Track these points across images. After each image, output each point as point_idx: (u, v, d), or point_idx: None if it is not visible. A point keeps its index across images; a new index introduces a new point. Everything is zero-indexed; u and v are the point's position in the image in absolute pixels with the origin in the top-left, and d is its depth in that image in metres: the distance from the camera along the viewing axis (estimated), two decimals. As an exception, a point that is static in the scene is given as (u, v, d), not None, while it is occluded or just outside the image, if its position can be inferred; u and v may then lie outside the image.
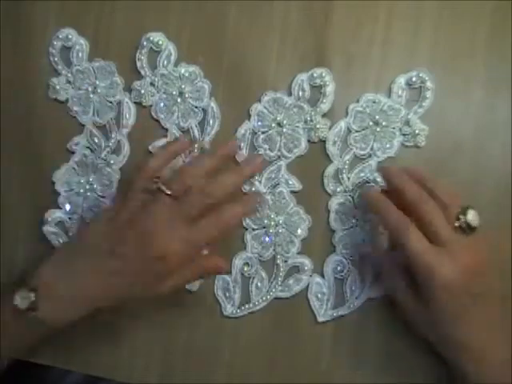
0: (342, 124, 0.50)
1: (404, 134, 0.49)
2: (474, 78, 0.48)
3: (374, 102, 0.49)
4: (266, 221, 0.50)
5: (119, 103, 0.51)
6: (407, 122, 0.49)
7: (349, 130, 0.49)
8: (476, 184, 0.48)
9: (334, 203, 0.50)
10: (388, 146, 0.49)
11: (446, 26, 0.48)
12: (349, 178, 0.49)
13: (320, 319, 0.50)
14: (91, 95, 0.51)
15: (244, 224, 0.50)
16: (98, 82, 0.51)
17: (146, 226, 0.41)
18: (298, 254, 0.49)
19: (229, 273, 0.49)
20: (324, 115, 0.49)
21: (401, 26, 0.49)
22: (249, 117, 0.50)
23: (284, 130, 0.49)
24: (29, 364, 0.51)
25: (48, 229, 0.52)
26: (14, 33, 0.53)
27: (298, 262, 0.50)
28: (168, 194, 0.42)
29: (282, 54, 0.50)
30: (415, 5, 0.49)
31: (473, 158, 0.48)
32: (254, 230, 0.50)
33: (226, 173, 0.45)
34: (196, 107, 0.51)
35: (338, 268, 0.50)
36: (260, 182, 0.49)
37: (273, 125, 0.49)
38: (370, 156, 0.49)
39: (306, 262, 0.50)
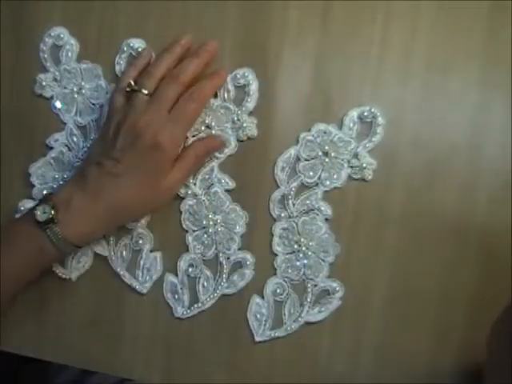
0: (292, 151, 0.50)
1: (352, 167, 0.49)
2: (470, 80, 0.48)
3: (325, 133, 0.49)
4: (204, 221, 0.51)
5: (102, 106, 0.52)
6: (356, 155, 0.49)
7: (298, 158, 0.50)
8: (472, 187, 0.48)
9: (278, 228, 0.50)
10: (335, 176, 0.49)
11: (443, 26, 0.48)
12: (294, 205, 0.50)
13: (257, 339, 0.51)
14: (76, 95, 0.52)
15: (184, 226, 0.51)
16: (83, 84, 0.52)
17: (134, 121, 0.44)
18: (239, 249, 0.50)
19: (223, 146, 0.50)
20: (250, 113, 0.50)
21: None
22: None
23: (213, 131, 0.50)
24: (27, 359, 0.53)
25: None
26: (10, 26, 0.53)
27: (240, 257, 0.50)
28: (144, 93, 0.45)
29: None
30: (412, 4, 0.48)
31: (468, 159, 0.48)
32: (194, 231, 0.51)
33: (187, 59, 0.47)
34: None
35: (278, 290, 0.50)
36: (195, 184, 0.50)
37: (202, 128, 0.50)
38: (316, 185, 0.50)
39: (248, 257, 0.50)
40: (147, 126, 0.44)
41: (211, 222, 0.50)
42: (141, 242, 0.51)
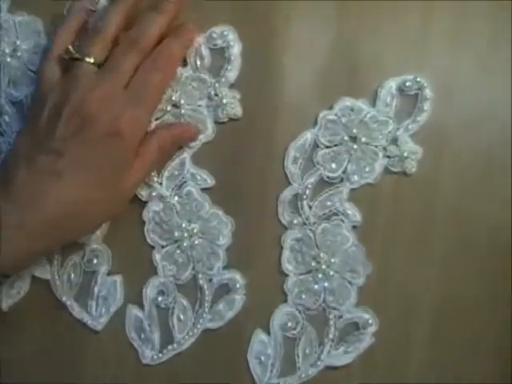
0: (308, 136, 0.39)
1: (389, 156, 0.39)
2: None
3: (352, 111, 0.39)
4: (176, 233, 0.39)
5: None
6: (395, 140, 0.38)
7: (316, 145, 0.39)
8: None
9: (288, 238, 0.39)
10: (367, 169, 0.39)
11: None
12: (310, 207, 0.39)
13: (261, 388, 0.39)
14: (8, 59, 0.41)
15: (149, 241, 0.40)
16: (18, 43, 0.41)
17: (80, 100, 0.35)
18: (225, 268, 0.40)
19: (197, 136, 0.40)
20: (232, 86, 0.39)
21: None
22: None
23: (182, 111, 0.39)
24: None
25: None
26: None
27: (226, 278, 0.39)
28: (90, 63, 0.36)
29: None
30: None
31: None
32: (163, 247, 0.40)
33: (148, 15, 0.38)
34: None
35: (289, 324, 0.39)
36: (161, 183, 0.40)
37: (168, 107, 0.39)
38: (341, 180, 0.39)
39: (237, 278, 0.39)
40: (100, 107, 0.35)
41: (185, 234, 0.39)
42: (95, 261, 0.40)
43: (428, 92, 0.38)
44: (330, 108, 0.39)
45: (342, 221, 0.39)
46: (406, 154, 0.38)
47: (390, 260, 0.39)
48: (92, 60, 0.36)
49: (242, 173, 0.40)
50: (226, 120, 0.40)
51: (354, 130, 0.38)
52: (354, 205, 0.39)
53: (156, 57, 0.37)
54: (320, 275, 0.39)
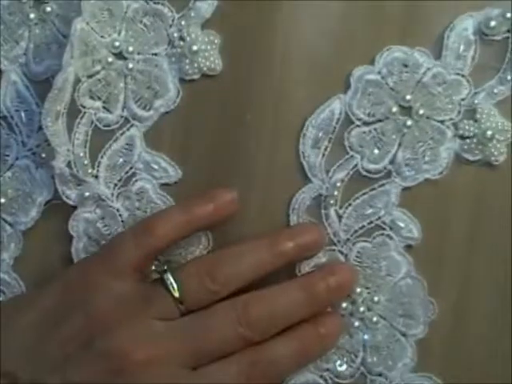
0: (337, 106, 0.26)
1: (463, 137, 0.26)
2: None
3: (406, 66, 0.26)
4: None
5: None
6: (472, 113, 0.26)
7: (349, 121, 0.26)
8: None
9: (307, 266, 0.26)
10: (428, 157, 0.26)
11: None
12: (341, 217, 0.26)
13: None
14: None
15: None
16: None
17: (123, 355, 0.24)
18: None
19: None
20: (206, 24, 0.27)
21: None
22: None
23: (130, 65, 0.28)
24: None
25: None
26: None
27: None
28: (179, 301, 0.25)
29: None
30: None
31: None
32: None
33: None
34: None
35: None
36: (96, 176, 0.28)
37: (109, 59, 0.27)
38: (388, 175, 0.26)
39: None
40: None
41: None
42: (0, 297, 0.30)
43: (524, 36, 0.25)
44: (371, 63, 0.26)
45: (390, 237, 0.26)
46: (489, 134, 0.25)
47: (466, 298, 0.26)
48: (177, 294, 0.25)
49: (225, 162, 0.27)
50: (196, 77, 0.27)
51: (408, 97, 0.25)
52: (409, 213, 0.26)
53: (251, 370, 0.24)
54: (357, 323, 0.26)
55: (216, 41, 0.27)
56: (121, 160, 0.28)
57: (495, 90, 0.25)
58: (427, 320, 0.26)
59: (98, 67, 0.28)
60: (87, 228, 0.28)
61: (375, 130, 0.26)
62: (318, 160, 0.26)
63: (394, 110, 0.25)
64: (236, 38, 0.27)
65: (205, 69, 0.27)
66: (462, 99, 0.25)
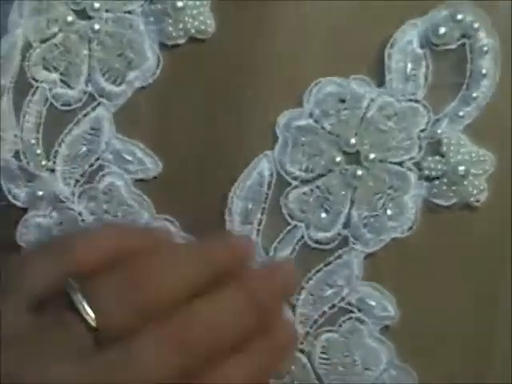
0: (265, 166, 0.22)
1: (430, 178, 0.21)
2: None
3: (344, 102, 0.21)
4: None
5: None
6: (437, 145, 0.21)
7: (284, 182, 0.21)
8: None
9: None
10: (391, 211, 0.21)
11: None
12: (294, 307, 0.22)
13: None
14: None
15: None
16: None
17: None
18: None
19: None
20: None
21: None
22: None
23: (96, 26, 0.24)
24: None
25: None
26: None
27: None
28: (92, 328, 0.19)
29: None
30: None
31: None
32: None
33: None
34: None
35: None
36: (53, 170, 0.25)
37: (68, 18, 0.24)
38: (344, 242, 0.21)
39: None
40: None
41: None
42: None
43: (485, 39, 0.20)
44: (298, 103, 0.21)
45: (361, 321, 0.21)
46: (462, 169, 0.20)
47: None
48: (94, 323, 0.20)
49: (215, 151, 0.22)
50: (182, 42, 0.23)
51: (353, 140, 0.20)
52: (378, 285, 0.21)
53: None
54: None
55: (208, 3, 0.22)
56: (84, 149, 0.24)
57: (460, 113, 0.20)
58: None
59: (55, 29, 0.24)
60: (40, 236, 0.25)
61: (318, 188, 0.20)
62: (253, 239, 0.20)
63: (338, 159, 0.20)
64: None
65: (192, 30, 0.23)
66: (421, 131, 0.20)
